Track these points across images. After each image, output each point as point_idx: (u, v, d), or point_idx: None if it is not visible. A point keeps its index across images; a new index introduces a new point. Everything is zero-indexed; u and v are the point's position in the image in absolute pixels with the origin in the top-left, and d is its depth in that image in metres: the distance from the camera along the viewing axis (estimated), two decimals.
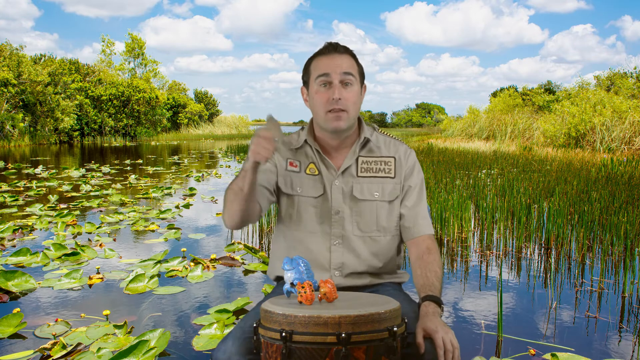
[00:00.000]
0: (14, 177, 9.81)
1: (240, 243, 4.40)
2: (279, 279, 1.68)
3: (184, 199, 7.15)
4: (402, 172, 1.58)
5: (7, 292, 3.15)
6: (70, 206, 6.36)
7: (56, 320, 2.68)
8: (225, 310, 2.79)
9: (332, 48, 1.52)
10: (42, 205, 6.25)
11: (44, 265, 3.73)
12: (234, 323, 2.65)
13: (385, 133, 1.66)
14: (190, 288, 3.29)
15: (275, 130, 1.30)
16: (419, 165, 1.64)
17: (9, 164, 12.42)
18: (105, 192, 7.73)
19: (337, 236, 1.55)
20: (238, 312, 2.81)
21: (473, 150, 15.57)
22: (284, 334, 1.12)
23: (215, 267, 3.74)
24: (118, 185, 8.62)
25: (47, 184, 8.70)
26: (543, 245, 4.39)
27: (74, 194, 7.60)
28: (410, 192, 1.58)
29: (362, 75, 1.56)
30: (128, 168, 12.18)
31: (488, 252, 4.20)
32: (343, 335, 1.09)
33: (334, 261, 1.55)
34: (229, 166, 13.10)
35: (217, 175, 10.79)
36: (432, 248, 1.54)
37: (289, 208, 1.58)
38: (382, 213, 1.56)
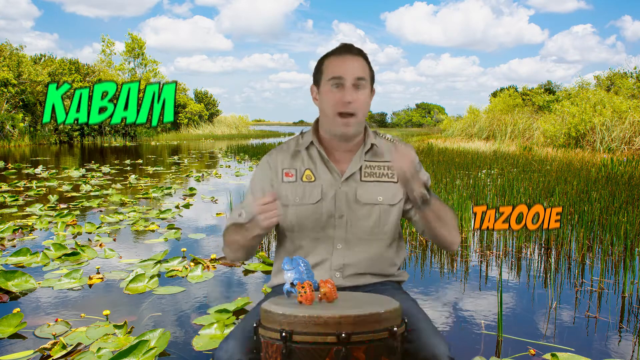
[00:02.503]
0: (14, 177, 9.81)
1: None
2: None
3: (184, 199, 7.15)
4: None
5: (7, 292, 3.15)
6: (70, 206, 6.36)
7: (56, 320, 2.69)
8: (225, 310, 2.79)
9: (346, 49, 1.52)
10: (42, 205, 6.25)
11: (44, 265, 3.73)
12: (234, 323, 2.65)
13: (386, 137, 1.66)
14: (190, 288, 3.29)
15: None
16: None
17: (9, 164, 12.41)
18: (105, 192, 7.73)
19: (340, 239, 1.55)
20: (238, 312, 2.81)
21: (473, 150, 15.57)
22: (284, 334, 1.12)
23: (215, 267, 3.74)
24: (118, 185, 8.62)
25: (47, 184, 8.70)
26: (543, 245, 4.39)
27: (74, 194, 7.60)
28: None
29: (372, 79, 1.57)
30: (128, 168, 12.17)
31: (488, 252, 4.20)
32: (343, 335, 1.09)
33: (335, 263, 1.55)
34: (229, 166, 13.09)
35: (217, 175, 10.79)
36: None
37: (288, 218, 1.57)
38: (385, 216, 1.56)
